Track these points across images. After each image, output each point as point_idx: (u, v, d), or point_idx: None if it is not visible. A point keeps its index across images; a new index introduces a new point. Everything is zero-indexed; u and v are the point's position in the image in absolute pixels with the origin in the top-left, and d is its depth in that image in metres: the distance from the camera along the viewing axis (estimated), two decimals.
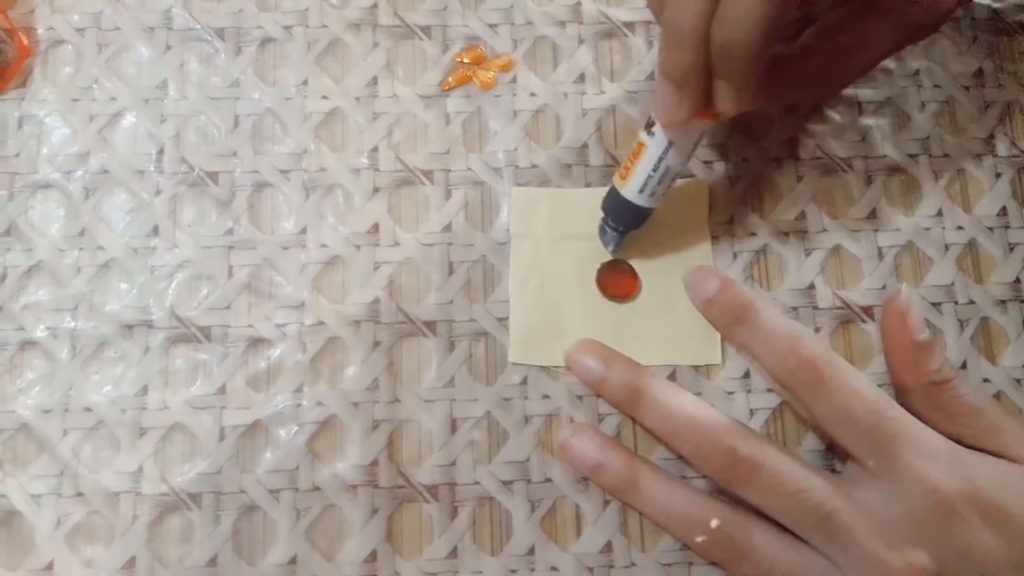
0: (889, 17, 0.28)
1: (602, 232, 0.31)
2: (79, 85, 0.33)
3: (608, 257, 0.31)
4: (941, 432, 0.28)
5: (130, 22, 0.34)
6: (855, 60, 0.29)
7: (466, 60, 0.33)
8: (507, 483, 0.30)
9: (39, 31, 0.33)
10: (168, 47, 0.34)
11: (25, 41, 0.33)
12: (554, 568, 0.29)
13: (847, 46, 0.29)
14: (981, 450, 0.27)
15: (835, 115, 0.34)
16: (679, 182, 0.32)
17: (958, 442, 0.28)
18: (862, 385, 0.27)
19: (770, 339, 0.28)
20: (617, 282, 0.31)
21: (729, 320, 0.29)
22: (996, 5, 0.35)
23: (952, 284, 0.32)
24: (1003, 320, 0.32)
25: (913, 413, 0.29)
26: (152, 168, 0.32)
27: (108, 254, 0.31)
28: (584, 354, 0.30)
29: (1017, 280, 0.32)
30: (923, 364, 0.28)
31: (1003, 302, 0.32)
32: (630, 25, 0.34)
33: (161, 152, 0.32)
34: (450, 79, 0.33)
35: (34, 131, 0.32)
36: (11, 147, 0.32)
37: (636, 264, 0.32)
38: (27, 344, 0.31)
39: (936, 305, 0.32)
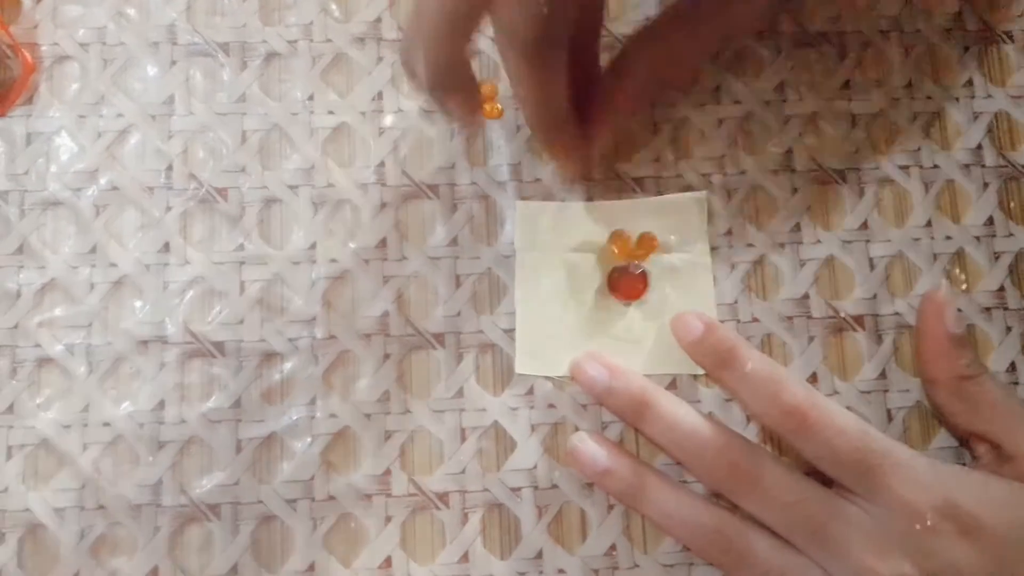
0: (709, 21, 0.28)
1: None
2: (85, 101, 0.33)
3: (620, 263, 0.33)
4: (964, 426, 0.30)
5: (134, 37, 0.34)
6: (676, 65, 0.29)
7: None
8: (515, 490, 0.31)
9: (43, 47, 0.33)
10: (173, 62, 0.34)
11: (29, 57, 0.33)
12: (561, 571, 0.30)
13: (665, 53, 0.29)
14: (1000, 447, 0.29)
15: (829, 127, 0.35)
16: (679, 194, 0.33)
17: (980, 437, 0.30)
18: (845, 422, 0.28)
19: (753, 386, 0.30)
20: (629, 284, 0.32)
21: (714, 364, 0.31)
22: (986, 16, 0.36)
23: None
24: (988, 327, 0.33)
25: (939, 406, 0.31)
26: (161, 184, 0.33)
27: (120, 271, 0.32)
28: (589, 366, 0.31)
29: (1002, 288, 0.34)
30: (954, 357, 0.30)
31: (988, 309, 0.33)
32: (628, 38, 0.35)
33: (170, 168, 0.33)
34: None
35: (42, 148, 0.33)
36: (20, 164, 0.33)
37: None
38: (44, 361, 0.31)
39: None
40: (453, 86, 0.26)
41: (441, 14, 0.23)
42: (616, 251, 0.33)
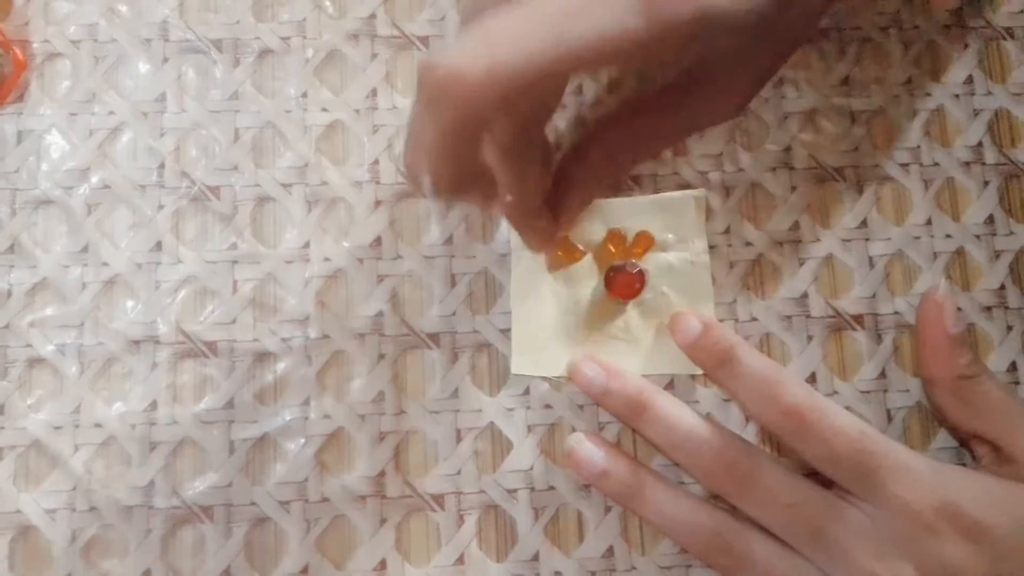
0: (676, 113, 0.27)
1: None
2: (77, 99, 0.33)
3: (617, 262, 0.32)
4: (964, 427, 0.30)
5: (126, 34, 0.33)
6: (638, 153, 0.28)
7: None
8: (511, 491, 0.31)
9: (34, 44, 0.33)
10: (165, 59, 0.33)
11: (20, 54, 0.32)
12: (558, 573, 0.30)
13: (627, 141, 0.28)
14: (1000, 448, 0.29)
15: (828, 125, 0.34)
16: (677, 192, 0.33)
17: (980, 438, 0.30)
18: (844, 423, 0.28)
19: (751, 387, 0.29)
20: (626, 282, 0.32)
21: (712, 364, 0.30)
22: (986, 13, 0.36)
23: None
24: (988, 326, 0.33)
25: (939, 406, 0.31)
26: (153, 183, 0.32)
27: (112, 270, 0.32)
28: (587, 367, 0.31)
29: (1002, 287, 0.33)
30: (953, 357, 0.30)
31: (988, 308, 0.33)
32: None
33: (162, 167, 0.32)
34: None
35: (33, 146, 0.32)
36: (11, 163, 0.32)
37: None
38: (35, 361, 0.31)
39: None
40: (467, 191, 0.25)
41: (442, 139, 0.22)
42: (613, 250, 0.32)
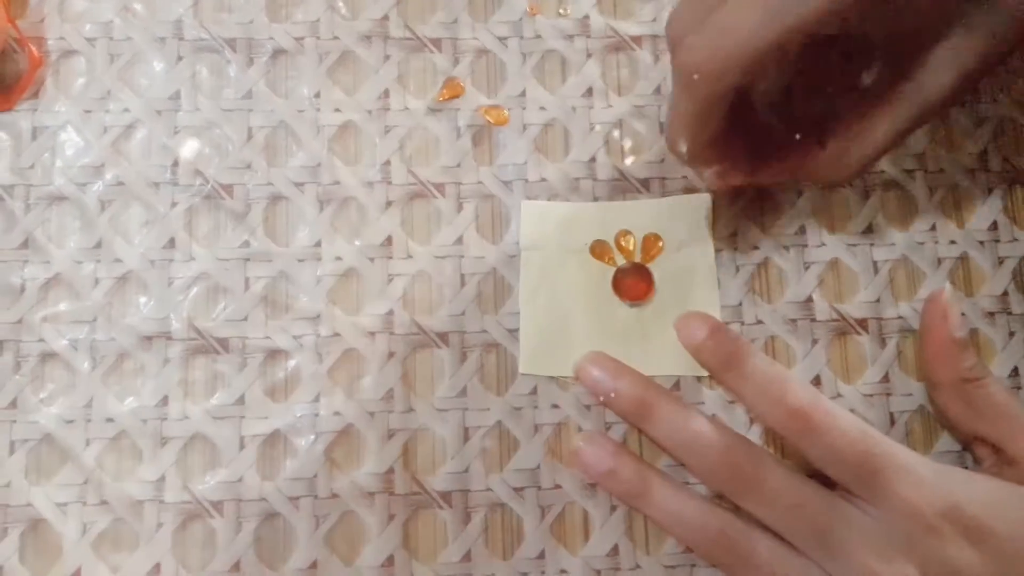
0: (900, 102, 0.29)
1: None
2: (92, 96, 0.33)
3: (625, 264, 0.33)
4: (967, 429, 0.31)
5: (141, 32, 0.34)
6: (861, 149, 0.30)
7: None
8: (518, 490, 0.31)
9: (49, 41, 0.33)
10: (180, 58, 0.34)
11: (36, 51, 0.33)
12: (563, 571, 0.30)
13: (855, 134, 0.30)
14: (1002, 450, 0.29)
15: None
16: (684, 195, 0.33)
17: (983, 441, 0.30)
18: (849, 425, 0.28)
19: (757, 388, 0.29)
20: (634, 284, 0.32)
21: (718, 366, 0.30)
22: None
23: None
24: (991, 332, 0.33)
25: (942, 408, 0.31)
26: (167, 180, 0.33)
27: (125, 266, 0.32)
28: (593, 367, 0.31)
29: (1005, 293, 0.34)
30: (957, 360, 0.30)
31: (991, 314, 0.33)
32: (637, 39, 0.35)
33: (175, 164, 0.33)
34: (443, 92, 0.34)
35: (48, 143, 0.33)
36: (26, 159, 0.32)
37: None
38: (48, 356, 0.31)
39: None
40: (708, 162, 0.31)
41: (696, 115, 0.28)
42: (621, 252, 0.33)
